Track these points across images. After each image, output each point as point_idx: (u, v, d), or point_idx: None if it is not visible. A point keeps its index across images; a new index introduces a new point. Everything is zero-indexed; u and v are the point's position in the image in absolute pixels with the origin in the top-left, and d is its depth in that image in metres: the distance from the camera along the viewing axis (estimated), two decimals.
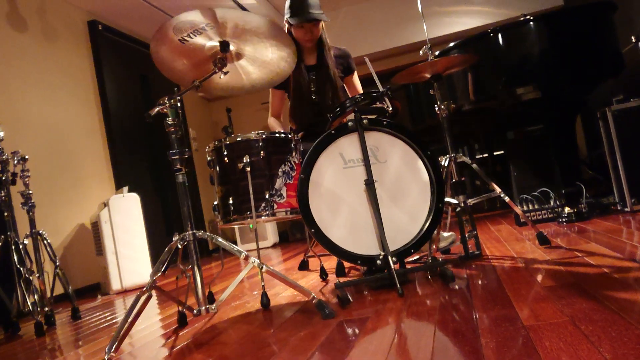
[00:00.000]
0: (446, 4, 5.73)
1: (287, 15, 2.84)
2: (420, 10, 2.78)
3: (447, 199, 2.40)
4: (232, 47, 2.22)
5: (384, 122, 2.22)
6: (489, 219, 4.32)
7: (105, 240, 3.98)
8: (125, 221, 4.02)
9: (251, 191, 2.29)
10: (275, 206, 2.35)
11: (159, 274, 1.72)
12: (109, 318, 2.79)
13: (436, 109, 2.55)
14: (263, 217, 2.34)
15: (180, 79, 2.25)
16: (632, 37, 3.91)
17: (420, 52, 2.57)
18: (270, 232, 6.16)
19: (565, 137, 3.38)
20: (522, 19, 3.21)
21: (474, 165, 2.53)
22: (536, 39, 3.25)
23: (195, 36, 2.12)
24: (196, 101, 7.34)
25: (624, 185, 3.04)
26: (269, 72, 2.37)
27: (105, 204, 4.03)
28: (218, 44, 2.17)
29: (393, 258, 2.05)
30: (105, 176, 4.89)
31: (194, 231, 1.82)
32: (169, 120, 1.85)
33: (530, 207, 3.42)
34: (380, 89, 2.31)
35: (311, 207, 2.13)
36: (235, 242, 6.39)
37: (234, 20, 2.16)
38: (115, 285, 3.96)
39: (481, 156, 5.01)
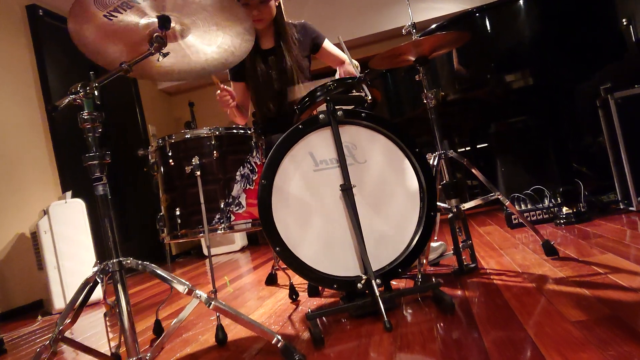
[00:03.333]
0: None
1: None
2: None
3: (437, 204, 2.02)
4: (174, 24, 1.79)
5: (363, 114, 1.82)
6: (473, 219, 3.98)
7: (45, 253, 3.49)
8: (69, 231, 3.53)
9: (202, 200, 1.87)
10: (233, 217, 1.93)
11: (67, 321, 1.29)
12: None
13: (423, 97, 2.16)
14: (219, 231, 1.93)
15: (104, 58, 1.81)
16: (624, 20, 3.61)
17: (403, 30, 2.18)
18: (238, 235, 5.71)
19: (561, 130, 3.04)
20: None
21: (467, 163, 2.15)
22: (528, 19, 2.90)
23: (125, 11, 1.68)
24: (155, 95, 6.82)
25: (628, 181, 2.73)
26: (222, 51, 1.94)
27: (45, 212, 3.54)
28: (155, 19, 1.74)
29: (377, 280, 1.66)
30: (49, 180, 4.37)
31: (120, 259, 1.39)
32: (85, 115, 1.41)
33: (523, 206, 3.08)
34: (357, 74, 1.91)
35: (275, 219, 1.72)
36: (200, 247, 5.92)
37: None
38: (59, 304, 3.47)
39: (463, 149, 4.68)
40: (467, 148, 4.82)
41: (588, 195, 2.92)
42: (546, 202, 3.03)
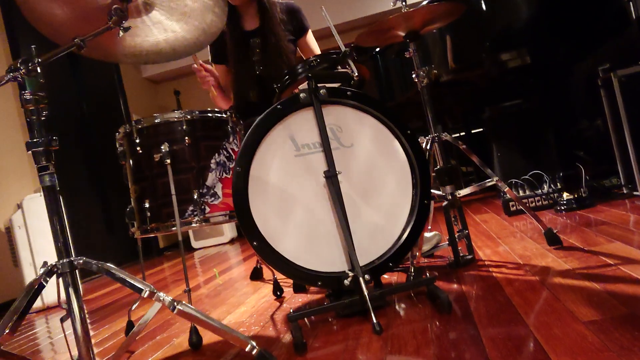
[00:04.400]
0: None
1: None
2: None
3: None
4: None
5: (348, 93, 1.65)
6: (467, 206, 3.83)
7: (20, 249, 3.31)
8: (44, 225, 3.35)
9: (173, 191, 1.70)
10: (208, 209, 1.76)
11: (6, 331, 1.12)
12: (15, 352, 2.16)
13: (414, 76, 1.99)
14: (193, 224, 1.76)
15: (61, 36, 1.62)
16: None
17: (391, 2, 2.00)
18: (227, 226, 5.54)
19: (559, 113, 2.88)
20: None
21: (463, 147, 1.99)
22: None
23: None
24: (140, 82, 6.61)
25: (633, 164, 2.57)
26: (193, 28, 1.76)
27: (19, 206, 3.36)
28: None
29: (366, 276, 1.50)
30: (26, 172, 4.17)
31: (72, 258, 1.22)
32: (26, 95, 1.24)
33: (521, 192, 2.93)
34: (342, 48, 1.73)
35: (252, 211, 1.55)
36: (188, 239, 5.75)
37: None
38: (35, 302, 3.29)
39: (457, 135, 4.51)
40: (462, 133, 4.66)
41: (589, 180, 2.76)
42: (545, 187, 2.88)
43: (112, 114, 5.77)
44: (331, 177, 1.57)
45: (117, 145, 1.90)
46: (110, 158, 5.03)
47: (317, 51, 2.44)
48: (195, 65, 2.25)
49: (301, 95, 1.61)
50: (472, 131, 4.51)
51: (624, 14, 2.94)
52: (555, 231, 1.95)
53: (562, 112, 2.96)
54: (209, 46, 2.41)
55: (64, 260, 1.21)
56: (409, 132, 1.67)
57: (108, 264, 1.27)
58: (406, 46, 2.04)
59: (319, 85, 1.62)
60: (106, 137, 5.55)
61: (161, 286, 3.32)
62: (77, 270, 1.24)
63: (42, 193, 3.24)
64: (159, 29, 1.75)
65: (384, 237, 1.64)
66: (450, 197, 1.95)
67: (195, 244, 5.57)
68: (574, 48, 2.89)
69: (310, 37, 2.42)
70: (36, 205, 3.36)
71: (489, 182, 1.99)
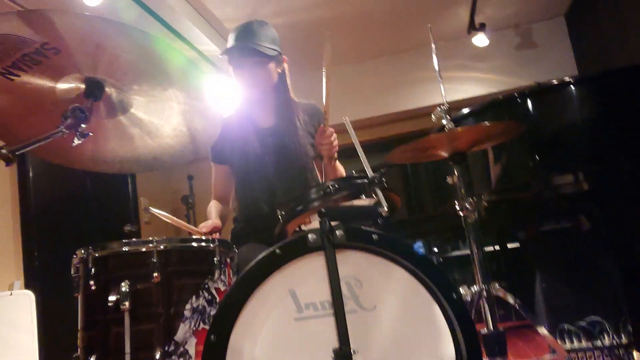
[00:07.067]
0: (448, 68, 4.90)
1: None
2: (436, 68, 1.86)
3: None
4: (110, 91, 1.26)
5: (375, 236, 1.22)
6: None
7: None
8: (8, 331, 2.88)
9: (128, 348, 1.25)
10: None
11: None
12: None
13: (456, 206, 1.56)
14: None
15: (6, 132, 1.27)
16: None
17: (433, 116, 1.62)
18: None
19: (624, 237, 2.39)
20: (565, 79, 2.32)
21: (519, 305, 1.51)
22: (583, 106, 2.35)
23: (31, 67, 1.14)
24: None
25: None
26: (179, 134, 1.40)
27: None
28: (82, 85, 1.22)
29: None
30: (9, 258, 3.75)
31: None
32: None
33: (576, 343, 2.38)
34: (369, 171, 1.33)
35: None
36: None
37: (114, 46, 1.18)
38: None
39: (491, 249, 4.01)
40: (495, 247, 4.15)
41: None
42: (606, 339, 2.34)
43: (117, 195, 5.43)
44: (343, 359, 1.10)
45: (72, 271, 1.47)
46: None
47: (341, 169, 2.06)
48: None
49: (310, 236, 1.18)
50: (509, 246, 4.01)
51: None
52: None
53: (629, 238, 2.45)
54: None
55: None
56: (455, 294, 1.22)
57: None
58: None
59: (332, 223, 1.20)
60: (110, 221, 5.18)
61: None
62: None
63: (12, 291, 2.78)
64: (136, 134, 1.38)
65: None
66: None
67: None
68: None
69: None
70: (3, 306, 2.91)
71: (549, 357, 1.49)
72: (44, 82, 1.19)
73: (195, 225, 1.87)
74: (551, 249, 3.05)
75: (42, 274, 3.47)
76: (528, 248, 3.40)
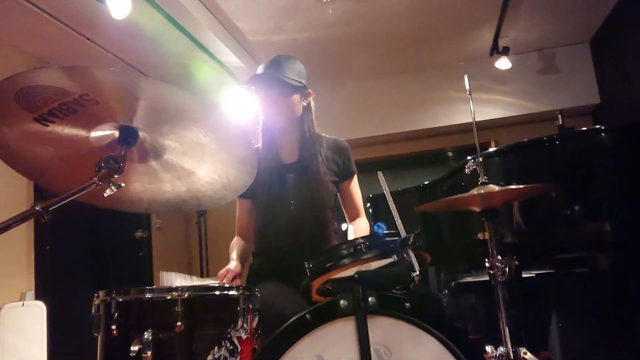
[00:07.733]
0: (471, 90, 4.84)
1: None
2: (467, 88, 1.84)
3: None
4: (144, 136, 1.24)
5: (407, 304, 1.19)
6: None
7: None
8: (20, 342, 2.88)
9: None
10: None
11: None
12: None
13: (487, 265, 1.53)
14: None
15: (41, 174, 1.26)
16: None
17: (466, 169, 1.59)
18: None
19: None
20: (596, 127, 2.28)
21: None
22: (610, 155, 2.29)
23: (66, 115, 1.12)
24: None
25: None
26: (210, 182, 1.38)
27: None
28: (116, 132, 1.20)
29: None
30: (22, 269, 3.67)
31: None
32: None
33: None
34: (401, 230, 1.30)
35: None
36: None
37: (152, 97, 1.16)
38: None
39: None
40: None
41: None
42: None
43: (130, 216, 5.25)
44: None
45: (92, 310, 1.45)
46: (125, 252, 4.40)
47: (359, 199, 2.04)
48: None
49: (341, 303, 1.16)
50: (524, 275, 3.95)
51: None
52: None
53: None
54: None
55: None
56: None
57: None
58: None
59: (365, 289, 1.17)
60: (119, 229, 4.97)
61: None
62: None
63: (24, 302, 2.79)
64: (166, 178, 1.36)
65: None
66: None
67: None
68: None
69: (354, 184, 2.03)
70: (16, 316, 2.90)
71: None
72: (79, 130, 1.17)
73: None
74: (568, 288, 2.99)
75: (54, 284, 3.45)
76: (546, 284, 3.35)
